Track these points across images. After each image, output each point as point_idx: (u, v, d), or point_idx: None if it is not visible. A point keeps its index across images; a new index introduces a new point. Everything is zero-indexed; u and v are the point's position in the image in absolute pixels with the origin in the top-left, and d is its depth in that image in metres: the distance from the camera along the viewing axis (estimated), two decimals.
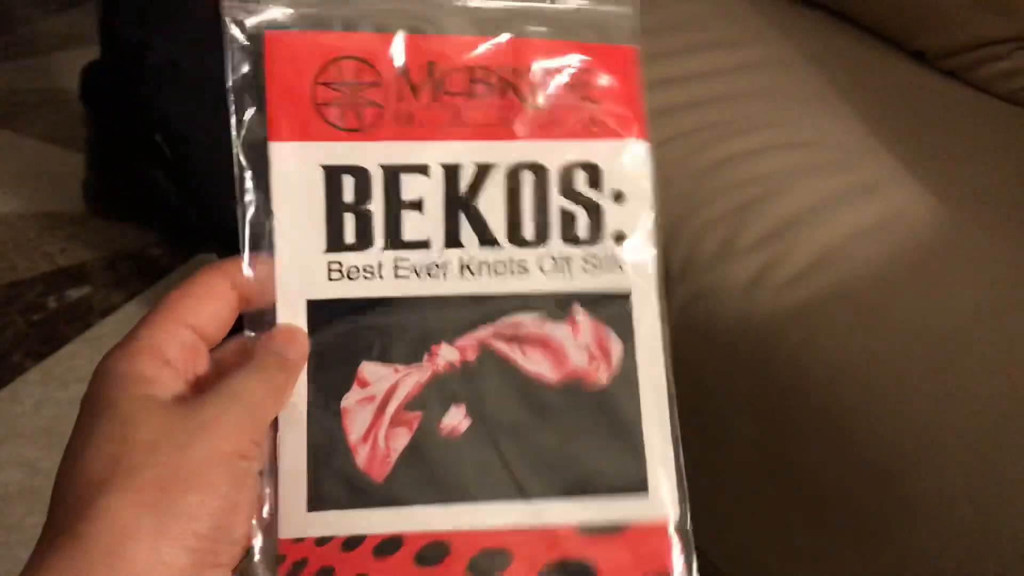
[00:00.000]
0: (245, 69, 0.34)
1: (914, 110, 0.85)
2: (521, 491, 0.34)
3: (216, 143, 1.13)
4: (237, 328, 0.34)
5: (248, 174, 0.34)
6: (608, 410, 0.35)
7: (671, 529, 0.34)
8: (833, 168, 0.77)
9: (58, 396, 1.15)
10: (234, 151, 0.34)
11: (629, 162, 0.36)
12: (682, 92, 0.85)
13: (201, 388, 0.32)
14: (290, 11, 0.34)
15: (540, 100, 0.36)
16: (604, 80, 0.36)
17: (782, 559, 0.77)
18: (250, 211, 0.34)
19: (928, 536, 0.62)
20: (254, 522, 0.31)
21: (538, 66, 0.36)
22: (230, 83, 0.34)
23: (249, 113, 0.34)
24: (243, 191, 0.34)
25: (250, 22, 0.34)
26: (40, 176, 1.41)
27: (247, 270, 0.33)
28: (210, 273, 0.33)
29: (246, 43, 0.34)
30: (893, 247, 0.70)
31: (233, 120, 0.34)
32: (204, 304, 0.32)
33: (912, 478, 0.63)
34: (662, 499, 0.34)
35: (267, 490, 0.32)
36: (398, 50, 0.35)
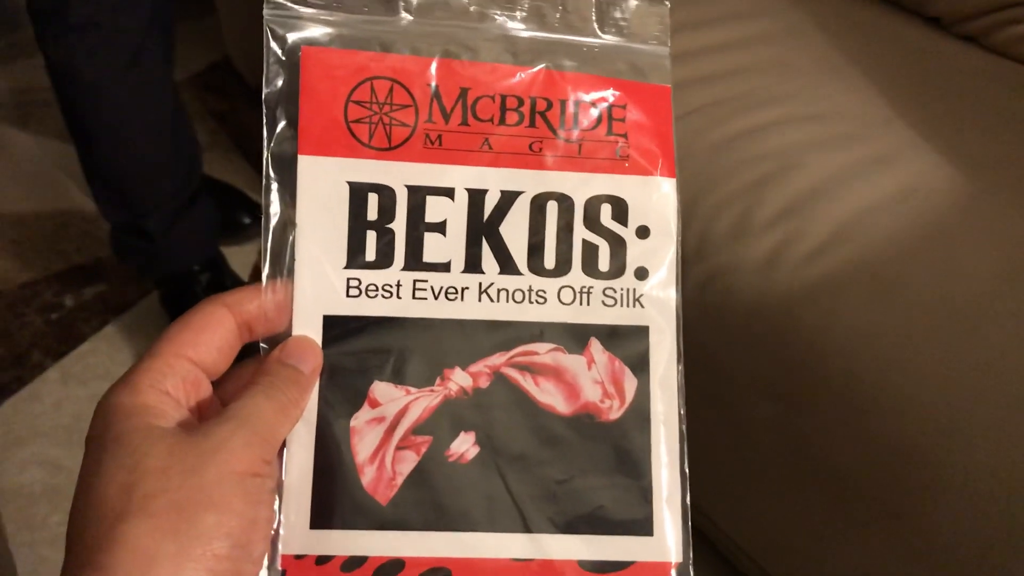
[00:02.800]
0: (280, 82, 0.34)
1: (930, 78, 0.82)
2: (525, 523, 0.33)
3: (127, 96, 1.12)
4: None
5: (275, 185, 0.34)
6: (618, 447, 0.34)
7: (673, 573, 0.34)
8: (849, 140, 0.75)
9: (78, 394, 1.15)
10: (263, 162, 0.34)
11: (656, 199, 0.36)
12: (693, 67, 0.83)
13: (205, 418, 0.31)
14: (329, 29, 0.34)
15: (571, 132, 0.36)
16: (635, 116, 0.36)
17: (806, 540, 0.75)
18: (273, 221, 0.34)
19: (953, 513, 0.61)
20: None
21: (571, 99, 0.36)
22: (264, 94, 0.34)
23: (280, 125, 0.34)
24: (268, 202, 0.34)
25: (290, 37, 0.34)
26: (54, 174, 1.40)
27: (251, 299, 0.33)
28: (211, 305, 0.32)
29: (283, 57, 0.34)
30: (912, 219, 0.68)
31: (264, 131, 0.34)
32: (203, 336, 0.32)
33: (936, 454, 0.61)
34: (666, 541, 0.34)
35: (276, 504, 0.32)
36: (432, 74, 0.35)
